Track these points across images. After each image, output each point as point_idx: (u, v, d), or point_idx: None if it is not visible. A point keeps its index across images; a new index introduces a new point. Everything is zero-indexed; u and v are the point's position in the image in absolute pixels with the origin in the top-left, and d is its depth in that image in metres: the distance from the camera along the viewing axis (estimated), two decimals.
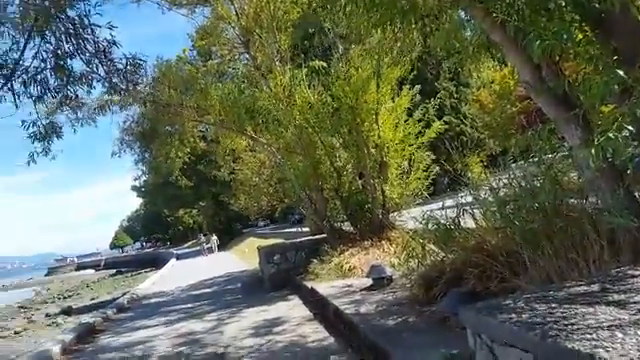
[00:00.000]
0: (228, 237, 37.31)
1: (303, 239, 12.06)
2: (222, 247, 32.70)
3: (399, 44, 8.75)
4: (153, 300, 12.83)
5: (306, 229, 16.20)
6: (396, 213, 10.47)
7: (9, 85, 6.70)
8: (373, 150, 10.13)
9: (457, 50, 5.44)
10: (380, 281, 7.09)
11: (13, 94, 6.66)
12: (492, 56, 5.15)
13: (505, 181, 5.02)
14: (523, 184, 4.52)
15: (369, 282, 7.35)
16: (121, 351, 7.18)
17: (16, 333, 17.51)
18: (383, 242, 9.58)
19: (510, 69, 20.66)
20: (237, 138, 13.79)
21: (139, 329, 8.71)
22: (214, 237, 31.30)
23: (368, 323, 5.36)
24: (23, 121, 6.92)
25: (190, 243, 58.58)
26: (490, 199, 5.02)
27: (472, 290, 4.38)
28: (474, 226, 5.23)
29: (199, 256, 30.37)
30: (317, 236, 11.37)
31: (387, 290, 6.83)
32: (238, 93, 11.78)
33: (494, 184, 5.20)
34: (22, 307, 28.60)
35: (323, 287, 8.13)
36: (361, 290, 7.26)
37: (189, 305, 10.69)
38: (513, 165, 5.74)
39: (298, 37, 12.87)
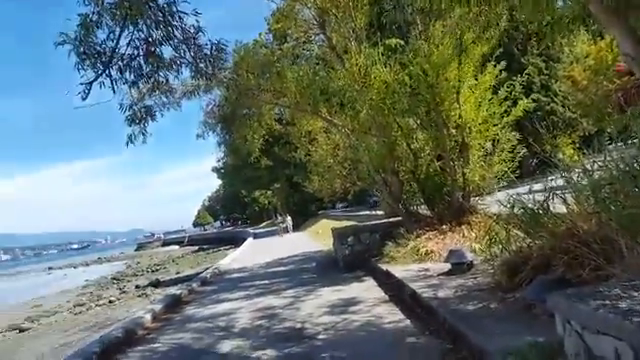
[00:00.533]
0: (302, 218, 38.27)
1: (377, 222, 12.10)
2: (296, 228, 33.67)
3: (483, 18, 8.38)
4: (233, 275, 13.61)
5: (380, 212, 16.20)
6: (477, 197, 10.17)
7: (107, 71, 7.37)
8: (453, 131, 9.85)
9: (548, 23, 5.12)
10: (459, 266, 6.99)
11: (111, 80, 7.31)
12: (587, 28, 4.79)
13: (600, 163, 4.72)
14: (621, 166, 4.22)
15: (447, 267, 7.28)
16: (206, 321, 7.78)
17: (110, 302, 19.55)
18: (463, 227, 9.37)
19: (608, 42, 18.87)
20: (312, 120, 14.03)
21: (222, 302, 9.34)
22: (289, 218, 32.32)
23: (447, 307, 5.34)
24: (120, 104, 7.58)
25: (265, 223, 60.93)
26: (583, 182, 4.74)
27: (561, 277, 4.21)
28: (565, 211, 4.98)
29: (275, 236, 31.54)
30: (392, 219, 11.35)
31: (467, 275, 6.73)
32: (313, 75, 11.94)
33: (588, 166, 4.90)
34: (115, 279, 31.83)
35: (399, 270, 8.17)
36: (439, 275, 7.21)
37: (266, 281, 11.23)
38: (610, 147, 5.35)
39: (374, 14, 12.71)
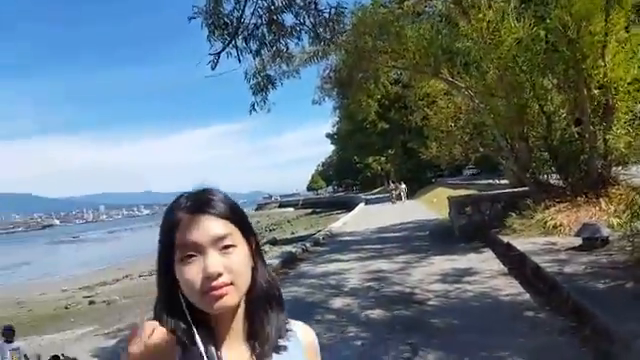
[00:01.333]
0: (416, 185, 37.67)
1: (499, 191, 11.59)
2: (410, 195, 33.33)
3: None
4: (345, 238, 14.15)
5: (504, 181, 15.39)
6: (620, 166, 9.16)
7: (233, 42, 7.97)
8: (596, 91, 8.87)
9: None
10: (592, 241, 6.49)
11: (237, 50, 7.91)
12: None
13: None
14: None
15: (577, 242, 6.80)
16: (318, 278, 8.31)
17: None
18: (600, 199, 8.56)
19: None
20: (432, 81, 13.60)
21: (333, 262, 9.86)
22: (403, 185, 31.93)
23: (573, 284, 5.06)
24: (245, 73, 8.18)
25: (378, 190, 61.27)
26: None
27: None
28: None
29: (387, 202, 31.65)
30: (517, 189, 10.76)
31: (600, 252, 6.23)
32: (435, 33, 11.49)
33: None
34: None
35: (521, 242, 7.83)
36: (567, 249, 6.78)
37: (378, 246, 11.50)
38: None
39: None
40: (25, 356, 7.14)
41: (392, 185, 32.51)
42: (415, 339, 4.64)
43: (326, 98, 15.88)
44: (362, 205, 33.25)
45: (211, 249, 0.81)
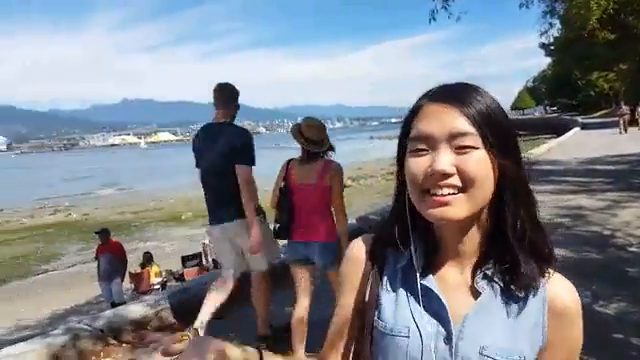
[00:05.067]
0: None
1: None
2: None
3: None
4: (545, 167, 13.14)
5: None
6: None
7: None
8: None
9: None
10: None
11: None
12: None
13: None
14: None
15: None
16: None
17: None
18: None
19: None
20: None
21: None
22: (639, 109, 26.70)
23: None
24: None
25: (601, 113, 53.42)
26: None
27: None
28: None
29: (610, 129, 27.48)
30: None
31: None
32: None
33: None
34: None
35: None
36: None
37: (583, 179, 10.53)
38: None
39: None
40: None
41: (623, 108, 27.16)
42: (599, 286, 4.36)
43: (536, 1, 13.93)
44: (576, 130, 29.67)
45: (445, 145, 0.71)
